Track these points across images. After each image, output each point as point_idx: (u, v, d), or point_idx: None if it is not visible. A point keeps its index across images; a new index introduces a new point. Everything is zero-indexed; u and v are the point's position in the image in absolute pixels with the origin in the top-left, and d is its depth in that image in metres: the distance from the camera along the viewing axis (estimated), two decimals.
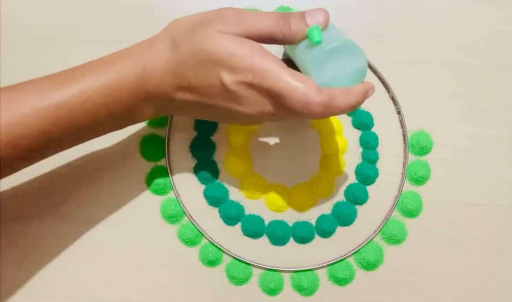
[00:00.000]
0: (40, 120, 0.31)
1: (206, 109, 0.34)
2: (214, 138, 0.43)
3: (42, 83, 0.32)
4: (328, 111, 0.30)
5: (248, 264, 0.43)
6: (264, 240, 0.43)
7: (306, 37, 0.32)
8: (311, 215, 0.43)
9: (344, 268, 0.43)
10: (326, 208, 0.43)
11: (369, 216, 0.43)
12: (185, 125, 0.43)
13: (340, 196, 0.43)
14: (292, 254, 0.43)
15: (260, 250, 0.43)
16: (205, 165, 0.43)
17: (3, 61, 0.42)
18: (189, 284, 0.43)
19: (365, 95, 0.32)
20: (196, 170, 0.43)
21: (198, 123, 0.43)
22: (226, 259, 0.43)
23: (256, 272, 0.43)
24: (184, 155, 0.43)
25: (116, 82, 0.32)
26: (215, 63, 0.31)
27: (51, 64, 0.42)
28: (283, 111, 0.31)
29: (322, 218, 0.43)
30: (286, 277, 0.43)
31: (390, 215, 0.43)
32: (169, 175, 0.43)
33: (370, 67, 0.43)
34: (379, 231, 0.43)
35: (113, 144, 0.43)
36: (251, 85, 0.31)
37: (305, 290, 0.43)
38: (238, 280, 0.43)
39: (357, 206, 0.43)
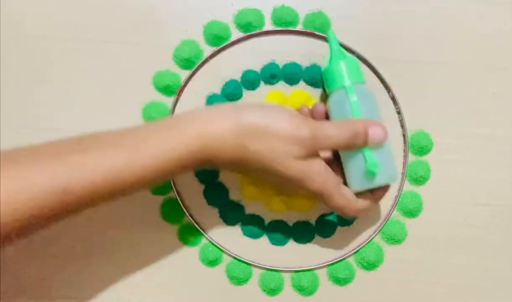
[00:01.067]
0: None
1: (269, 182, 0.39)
2: None
3: (104, 152, 0.32)
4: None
5: (248, 264, 0.43)
6: (264, 240, 0.43)
7: (363, 153, 0.36)
8: (311, 215, 0.43)
9: (344, 268, 0.43)
10: (326, 208, 0.43)
11: (369, 216, 0.43)
12: None
13: None
14: (292, 254, 0.43)
15: (260, 250, 0.43)
16: None
17: (3, 61, 0.42)
18: (189, 284, 0.43)
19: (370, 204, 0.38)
20: (196, 170, 0.43)
21: None
22: (226, 259, 0.43)
23: (256, 272, 0.43)
24: None
25: (178, 165, 0.33)
26: (282, 179, 0.35)
27: (52, 64, 0.42)
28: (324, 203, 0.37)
29: (322, 218, 0.43)
30: (286, 277, 0.43)
31: (390, 215, 0.43)
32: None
33: (370, 67, 0.43)
34: (379, 231, 0.43)
35: None
36: (309, 196, 0.38)
37: (305, 290, 0.43)
38: (238, 280, 0.43)
39: None
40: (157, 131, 0.33)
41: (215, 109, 0.35)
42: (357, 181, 0.37)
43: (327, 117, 0.39)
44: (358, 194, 0.37)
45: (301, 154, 0.34)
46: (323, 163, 0.36)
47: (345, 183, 0.38)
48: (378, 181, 0.36)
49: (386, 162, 0.36)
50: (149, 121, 0.36)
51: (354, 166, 0.36)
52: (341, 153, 0.38)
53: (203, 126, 0.33)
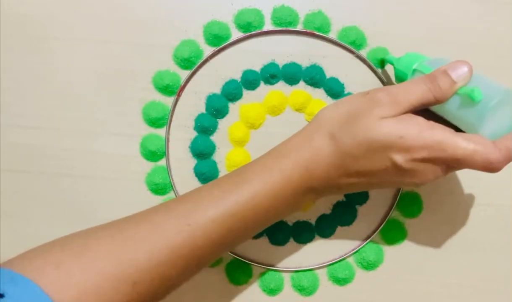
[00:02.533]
0: (216, 230, 0.33)
1: (372, 185, 0.35)
2: (214, 138, 0.43)
3: (212, 192, 0.34)
4: (508, 162, 0.31)
5: (248, 264, 0.43)
6: (264, 240, 0.43)
7: (459, 94, 0.32)
8: (311, 215, 0.43)
9: (344, 268, 0.43)
10: (326, 208, 0.43)
11: (369, 216, 0.43)
12: (185, 125, 0.43)
13: (340, 196, 0.43)
14: (292, 254, 0.43)
15: (260, 250, 0.43)
16: (205, 165, 0.43)
17: (4, 61, 0.42)
18: (189, 284, 0.43)
19: None
20: (196, 170, 0.43)
21: (198, 123, 0.43)
22: (226, 259, 0.43)
23: (256, 272, 0.43)
24: (184, 155, 0.43)
25: (281, 185, 0.34)
26: (385, 148, 0.32)
27: (51, 64, 0.42)
28: (457, 169, 0.32)
29: (322, 218, 0.43)
30: (286, 277, 0.43)
31: (390, 215, 0.43)
32: (169, 175, 0.43)
33: (370, 67, 0.43)
34: (379, 231, 0.43)
35: (113, 144, 0.43)
36: (427, 160, 0.31)
37: (305, 290, 0.43)
38: (238, 280, 0.43)
39: (357, 206, 0.43)
40: (261, 168, 0.35)
41: (305, 130, 0.35)
42: (474, 121, 0.31)
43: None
44: None
45: (386, 113, 0.32)
46: (419, 117, 0.32)
47: None
48: (494, 101, 0.31)
49: (488, 83, 0.32)
50: (246, 164, 0.37)
51: (461, 113, 0.32)
52: (442, 113, 0.34)
53: (303, 146, 0.34)
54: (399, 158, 0.31)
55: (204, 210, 0.32)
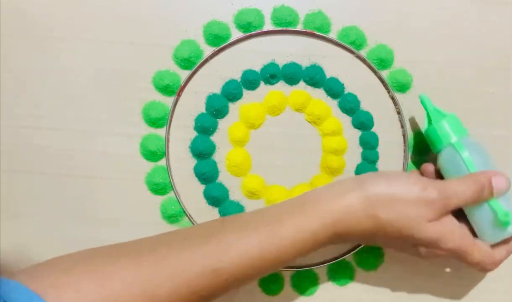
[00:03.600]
0: (240, 278, 0.34)
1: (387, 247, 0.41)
2: (214, 138, 0.43)
3: (241, 234, 0.34)
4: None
5: None
6: None
7: (491, 206, 0.35)
8: None
9: (344, 268, 0.43)
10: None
11: None
12: (185, 125, 0.43)
13: None
14: None
15: None
16: (205, 165, 0.43)
17: (4, 61, 0.42)
18: None
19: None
20: (196, 170, 0.43)
21: (198, 123, 0.43)
22: None
23: None
24: (184, 155, 0.43)
25: (311, 245, 0.34)
26: (418, 244, 0.35)
27: (51, 64, 0.42)
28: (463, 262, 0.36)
29: None
30: (286, 277, 0.43)
31: None
32: (169, 175, 0.43)
33: (370, 67, 0.43)
34: None
35: (113, 144, 0.43)
36: (443, 256, 0.36)
37: (305, 290, 0.43)
38: None
39: None
40: (290, 211, 0.35)
41: (339, 184, 0.36)
42: (490, 234, 0.36)
43: (437, 176, 0.39)
44: (491, 246, 0.37)
45: (434, 216, 0.34)
46: (456, 222, 0.35)
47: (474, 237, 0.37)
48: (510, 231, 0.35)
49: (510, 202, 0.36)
50: (276, 203, 0.37)
51: (483, 219, 0.36)
52: (467, 209, 0.37)
53: (333, 201, 0.34)
54: (423, 250, 0.35)
55: (229, 257, 0.33)
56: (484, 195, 0.35)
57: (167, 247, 0.33)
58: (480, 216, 0.36)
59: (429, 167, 0.39)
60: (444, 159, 0.38)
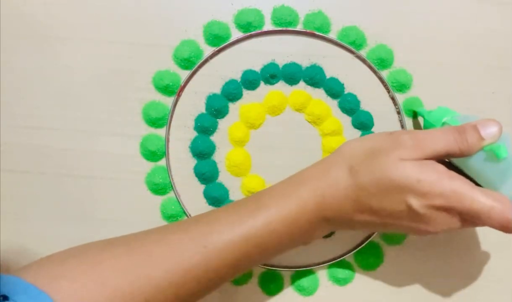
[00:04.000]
0: (232, 254, 0.33)
1: (386, 226, 0.34)
2: (214, 138, 0.43)
3: (229, 216, 0.34)
4: None
5: None
6: None
7: (485, 150, 0.32)
8: None
9: (344, 268, 0.43)
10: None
11: None
12: (185, 125, 0.43)
13: None
14: (292, 254, 0.43)
15: None
16: (205, 165, 0.43)
17: (4, 61, 0.42)
18: None
19: None
20: (196, 170, 0.43)
21: (198, 123, 0.43)
22: None
23: (256, 272, 0.43)
24: (184, 155, 0.43)
25: (297, 211, 0.34)
26: (401, 190, 0.31)
27: (51, 64, 0.42)
28: (472, 225, 0.32)
29: None
30: (286, 277, 0.43)
31: None
32: (169, 175, 0.43)
33: (370, 67, 0.43)
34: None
35: (113, 144, 0.43)
36: (442, 208, 0.31)
37: (305, 290, 0.43)
38: (238, 280, 0.43)
39: None
40: (279, 192, 0.35)
41: (322, 161, 0.36)
42: (498, 180, 0.31)
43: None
44: None
45: (408, 155, 0.32)
46: (442, 166, 0.32)
47: None
48: None
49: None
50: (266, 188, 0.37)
51: (485, 169, 0.32)
52: (464, 167, 0.34)
53: (318, 176, 0.35)
54: (415, 202, 0.31)
55: (220, 233, 0.33)
56: (470, 139, 0.32)
57: (158, 234, 0.34)
58: (481, 167, 0.32)
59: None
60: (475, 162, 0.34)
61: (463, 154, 0.32)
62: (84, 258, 0.31)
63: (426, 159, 0.32)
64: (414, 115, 0.43)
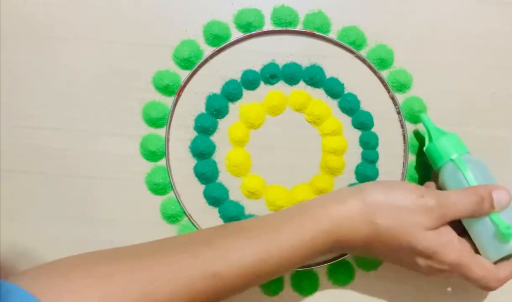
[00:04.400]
0: (240, 281, 0.33)
1: (387, 260, 0.38)
2: (214, 138, 0.43)
3: (240, 240, 0.34)
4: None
5: None
6: None
7: (493, 221, 0.35)
8: None
9: (344, 268, 0.43)
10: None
11: None
12: (185, 125, 0.43)
13: None
14: None
15: None
16: (205, 165, 0.43)
17: (4, 61, 0.42)
18: None
19: None
20: (196, 170, 0.43)
21: (198, 123, 0.43)
22: None
23: None
24: (184, 155, 0.43)
25: (311, 250, 0.34)
26: (415, 254, 0.34)
27: (51, 64, 0.42)
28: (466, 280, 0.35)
29: None
30: (286, 277, 0.43)
31: None
32: (169, 175, 0.43)
33: (370, 67, 0.43)
34: None
35: (113, 144, 0.43)
36: (443, 271, 0.35)
37: (305, 290, 0.43)
38: None
39: None
40: (290, 217, 0.35)
41: (338, 192, 0.36)
42: (492, 249, 0.35)
43: None
44: (495, 263, 0.35)
45: (431, 224, 0.34)
46: (455, 234, 0.35)
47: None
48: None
49: None
50: (278, 211, 0.38)
51: (485, 234, 0.35)
52: (467, 224, 0.36)
53: (333, 208, 0.35)
54: (422, 262, 0.35)
55: (230, 262, 0.33)
56: (485, 208, 0.34)
57: (166, 251, 0.33)
58: (482, 231, 0.35)
59: (430, 185, 0.39)
60: (445, 175, 0.38)
61: (473, 218, 0.35)
62: (90, 270, 0.31)
63: (445, 223, 0.35)
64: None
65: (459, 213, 0.34)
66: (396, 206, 0.34)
